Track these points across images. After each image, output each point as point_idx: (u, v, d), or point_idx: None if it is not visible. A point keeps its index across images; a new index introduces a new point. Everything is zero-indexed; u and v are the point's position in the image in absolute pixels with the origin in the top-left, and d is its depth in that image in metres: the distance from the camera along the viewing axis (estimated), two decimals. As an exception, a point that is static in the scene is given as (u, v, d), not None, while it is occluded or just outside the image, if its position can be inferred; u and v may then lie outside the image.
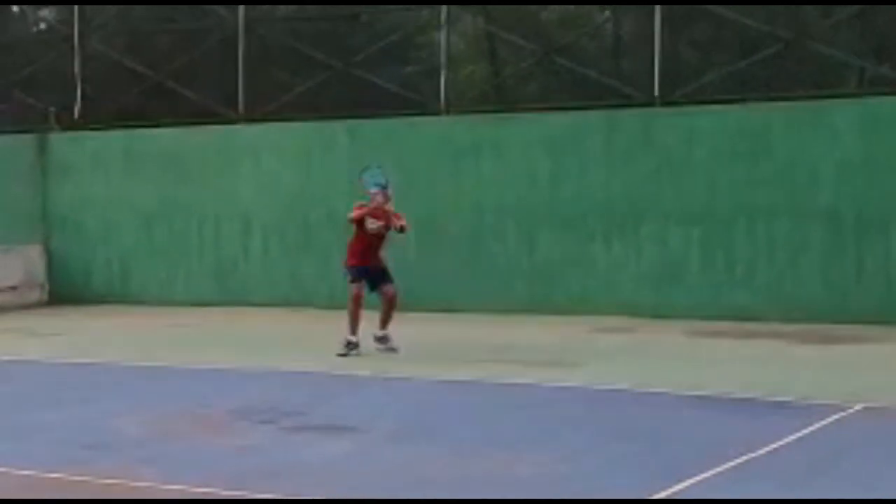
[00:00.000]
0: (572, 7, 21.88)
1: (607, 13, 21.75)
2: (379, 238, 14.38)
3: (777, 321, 16.58)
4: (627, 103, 18.53)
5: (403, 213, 14.42)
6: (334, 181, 19.08)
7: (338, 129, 19.82)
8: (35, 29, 25.53)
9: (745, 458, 8.69)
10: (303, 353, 14.47)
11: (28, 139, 21.68)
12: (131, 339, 16.49)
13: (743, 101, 17.90)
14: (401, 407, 11.26)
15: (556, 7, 22.05)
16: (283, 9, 22.29)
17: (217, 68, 21.53)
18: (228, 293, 20.30)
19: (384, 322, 14.43)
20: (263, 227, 20.22)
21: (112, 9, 22.52)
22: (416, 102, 20.14)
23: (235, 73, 20.75)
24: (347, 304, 14.17)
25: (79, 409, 11.24)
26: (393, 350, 14.33)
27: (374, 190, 14.30)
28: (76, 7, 22.09)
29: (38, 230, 21.57)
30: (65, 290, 21.33)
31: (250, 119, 20.64)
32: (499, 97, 21.36)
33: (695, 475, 8.17)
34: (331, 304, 17.51)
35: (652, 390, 11.69)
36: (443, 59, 19.59)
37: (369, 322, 14.26)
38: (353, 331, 14.10)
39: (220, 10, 21.24)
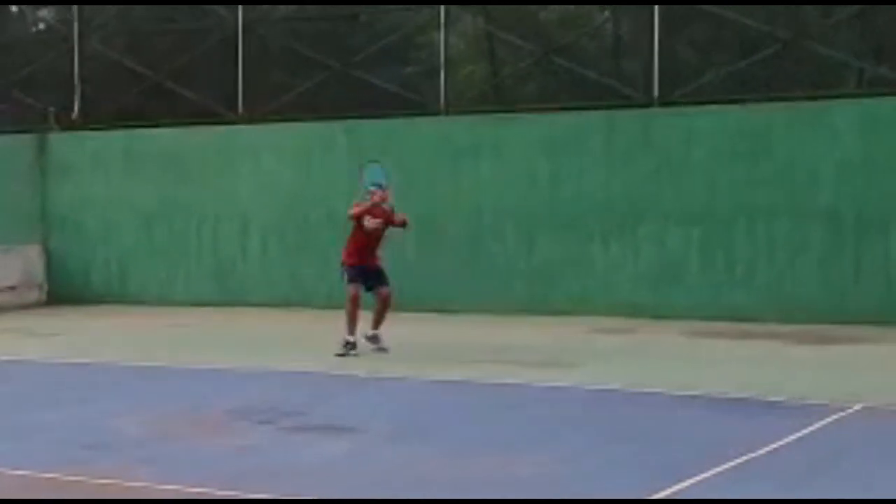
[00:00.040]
0: (572, 7, 21.87)
1: (606, 13, 21.74)
2: (377, 236, 14.41)
3: (776, 321, 16.59)
4: (627, 104, 18.54)
5: (405, 213, 14.45)
6: (334, 181, 19.09)
7: (337, 130, 19.82)
8: (34, 29, 25.53)
9: (744, 458, 8.69)
10: (301, 354, 14.47)
11: (27, 139, 21.68)
12: (130, 340, 16.49)
13: (742, 101, 17.90)
14: (399, 407, 11.26)
15: (556, 7, 22.05)
16: (282, 9, 22.28)
17: (216, 68, 21.52)
18: (227, 293, 20.30)
19: (377, 322, 14.49)
20: (262, 227, 20.23)
21: (111, 9, 22.52)
22: (415, 103, 20.15)
23: (235, 73, 20.75)
24: (345, 305, 14.19)
25: (78, 410, 11.23)
26: (383, 350, 14.37)
27: (371, 188, 14.33)
28: (75, 7, 22.10)
29: (37, 230, 21.57)
30: (64, 291, 21.33)
31: (250, 119, 20.64)
32: (498, 97, 21.36)
33: (695, 475, 8.17)
34: (330, 305, 17.50)
35: (651, 391, 11.69)
36: (442, 59, 19.60)
37: (364, 321, 14.27)
38: (351, 331, 14.12)
39: (220, 10, 21.25)
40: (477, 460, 8.93)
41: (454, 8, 20.04)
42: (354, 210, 14.30)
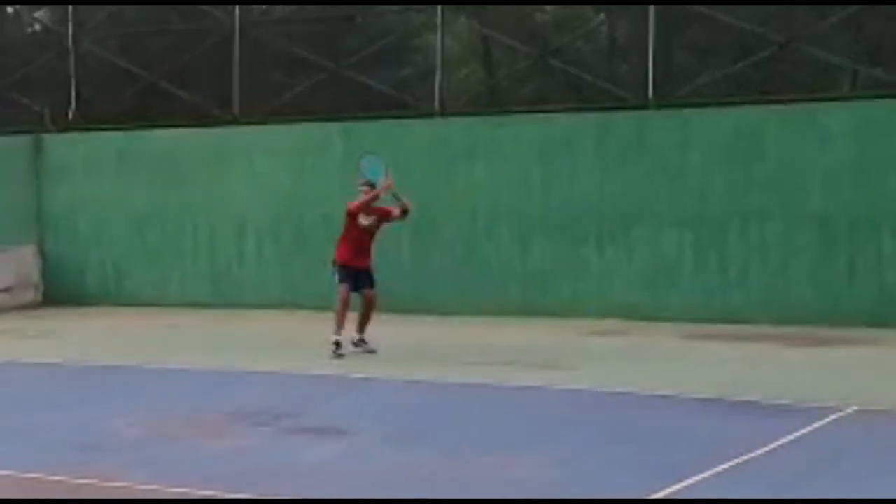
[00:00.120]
0: (567, 9, 21.89)
1: (602, 16, 21.77)
2: (371, 234, 14.47)
3: (769, 324, 16.62)
4: (621, 106, 18.56)
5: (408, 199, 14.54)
6: (328, 183, 19.08)
7: (332, 131, 19.83)
8: (30, 30, 25.49)
9: (743, 458, 8.73)
10: (297, 355, 14.49)
11: (23, 140, 21.65)
12: (125, 341, 16.50)
13: (737, 103, 17.93)
14: (397, 409, 11.29)
15: (551, 9, 22.07)
16: (277, 11, 22.29)
17: (212, 70, 21.52)
18: (222, 295, 20.29)
19: (362, 326, 14.58)
20: (257, 228, 20.22)
21: (107, 10, 22.49)
22: (410, 104, 20.15)
23: (230, 74, 20.74)
24: (336, 305, 14.24)
25: (76, 411, 11.25)
26: (371, 352, 14.44)
27: (363, 188, 14.41)
28: (71, 8, 22.08)
29: (33, 231, 21.54)
30: (59, 292, 21.31)
31: (245, 121, 20.64)
32: (493, 99, 21.37)
33: (693, 475, 8.22)
34: (324, 306, 17.48)
35: (647, 392, 11.73)
36: (438, 61, 19.61)
37: (349, 322, 14.31)
38: (339, 331, 14.19)
39: (216, 11, 21.24)
40: (476, 461, 8.96)
41: (450, 10, 20.05)
42: (355, 204, 14.34)
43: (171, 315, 19.21)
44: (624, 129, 18.14)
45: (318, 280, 18.70)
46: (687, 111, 17.91)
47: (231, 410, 11.07)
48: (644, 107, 18.22)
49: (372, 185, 14.37)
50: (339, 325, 14.18)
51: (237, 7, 20.74)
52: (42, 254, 21.54)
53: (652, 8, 18.05)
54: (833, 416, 10.29)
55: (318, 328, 15.43)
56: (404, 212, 14.56)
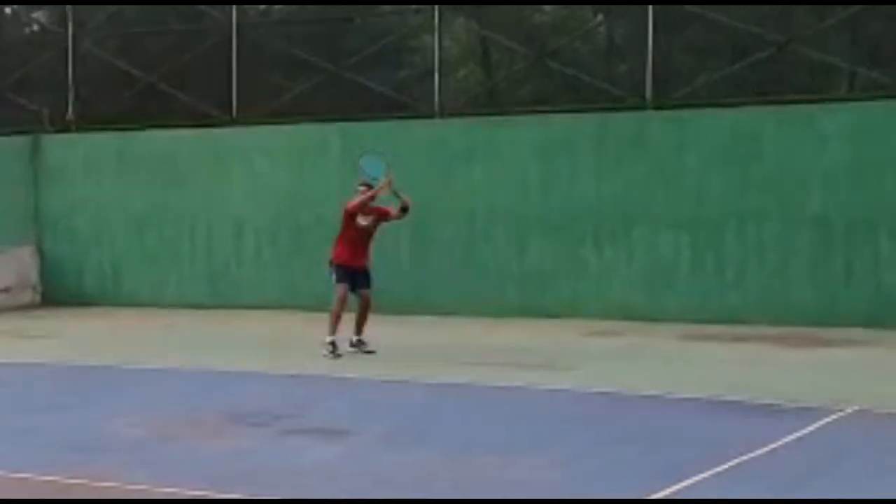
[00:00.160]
0: (565, 10, 21.90)
1: (600, 17, 21.79)
2: (368, 234, 14.47)
3: (767, 324, 16.64)
4: (620, 106, 18.57)
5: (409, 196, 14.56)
6: (327, 184, 19.09)
7: (330, 132, 19.83)
8: (28, 30, 25.49)
9: (743, 458, 8.74)
10: (294, 356, 14.49)
11: (21, 141, 21.66)
12: (123, 342, 16.50)
13: (735, 104, 17.94)
14: (396, 409, 11.28)
15: (550, 10, 22.07)
16: (276, 12, 22.30)
17: (210, 71, 21.51)
18: (220, 296, 20.30)
19: (359, 327, 14.58)
20: (255, 229, 20.22)
21: (106, 10, 22.50)
22: (409, 105, 20.16)
23: (229, 75, 20.75)
24: (333, 305, 14.24)
25: (73, 412, 11.24)
26: (370, 352, 14.44)
27: (360, 188, 14.41)
28: (69, 8, 22.08)
29: (31, 232, 21.55)
30: (57, 292, 21.32)
31: (243, 122, 20.64)
32: (491, 100, 21.37)
33: (693, 476, 8.22)
34: (323, 307, 17.48)
35: (646, 393, 11.73)
36: (436, 62, 19.62)
37: (345, 323, 14.31)
38: (333, 331, 14.20)
39: (214, 12, 21.25)
40: (475, 462, 8.96)
41: (448, 11, 20.07)
42: (351, 204, 14.35)
43: (170, 315, 19.22)
44: (622, 129, 18.16)
45: (317, 280, 18.68)
46: (685, 112, 17.94)
47: (230, 411, 11.06)
48: (642, 108, 18.24)
49: (369, 186, 14.38)
50: (334, 326, 14.18)
51: (233, 7, 20.73)
52: (40, 254, 21.56)
53: (650, 9, 18.08)
54: (833, 417, 10.30)
55: (316, 329, 15.41)
56: (404, 209, 14.55)
